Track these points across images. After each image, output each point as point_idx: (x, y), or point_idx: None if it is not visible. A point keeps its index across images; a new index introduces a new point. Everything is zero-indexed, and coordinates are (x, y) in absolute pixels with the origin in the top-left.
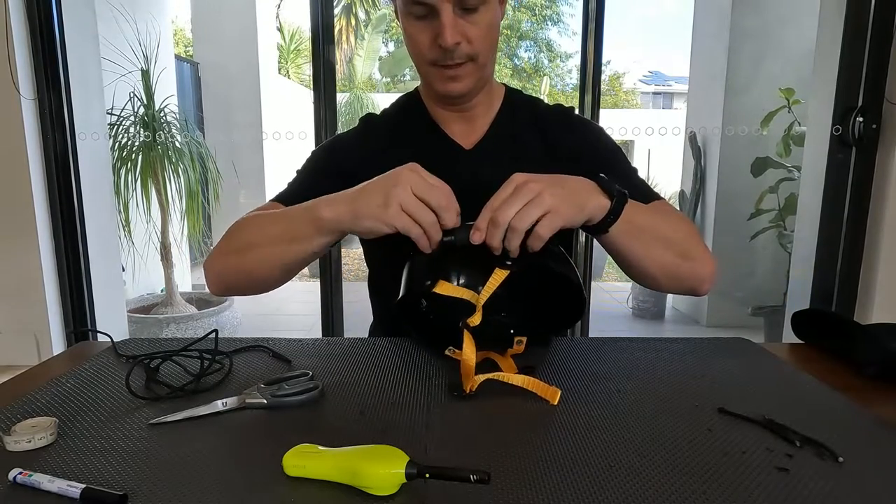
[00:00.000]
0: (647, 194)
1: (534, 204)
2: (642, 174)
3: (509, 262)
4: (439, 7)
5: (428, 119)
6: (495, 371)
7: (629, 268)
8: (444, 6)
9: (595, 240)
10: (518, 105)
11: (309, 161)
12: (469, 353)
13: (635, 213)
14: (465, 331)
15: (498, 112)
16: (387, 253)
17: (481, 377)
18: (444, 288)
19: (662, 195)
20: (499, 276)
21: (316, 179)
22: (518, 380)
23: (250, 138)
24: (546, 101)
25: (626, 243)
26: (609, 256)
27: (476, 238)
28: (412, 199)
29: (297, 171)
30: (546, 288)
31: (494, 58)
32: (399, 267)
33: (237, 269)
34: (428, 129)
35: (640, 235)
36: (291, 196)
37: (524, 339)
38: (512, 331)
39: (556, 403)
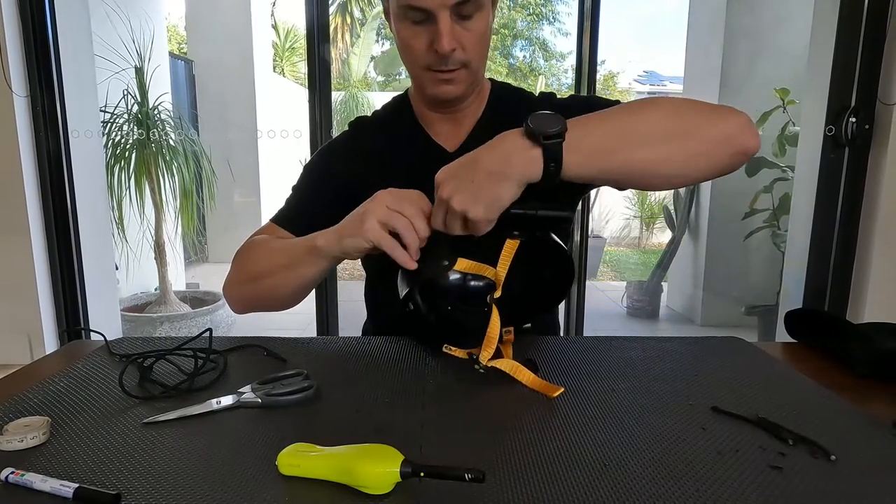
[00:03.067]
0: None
1: (451, 215)
2: None
3: (516, 232)
4: (437, 13)
5: (415, 123)
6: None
7: (636, 186)
8: (442, 13)
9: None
10: (503, 101)
11: (302, 177)
12: (495, 325)
13: (587, 136)
14: (493, 305)
15: (483, 113)
16: (383, 256)
17: (497, 362)
18: (464, 265)
19: (657, 195)
20: (511, 246)
21: (312, 196)
22: (525, 377)
23: (245, 136)
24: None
25: (598, 171)
26: (606, 253)
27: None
28: (385, 211)
29: (293, 188)
30: (533, 267)
31: (486, 62)
32: (395, 270)
33: (254, 297)
34: (414, 132)
35: (607, 153)
36: (289, 216)
37: (511, 329)
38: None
39: (553, 396)
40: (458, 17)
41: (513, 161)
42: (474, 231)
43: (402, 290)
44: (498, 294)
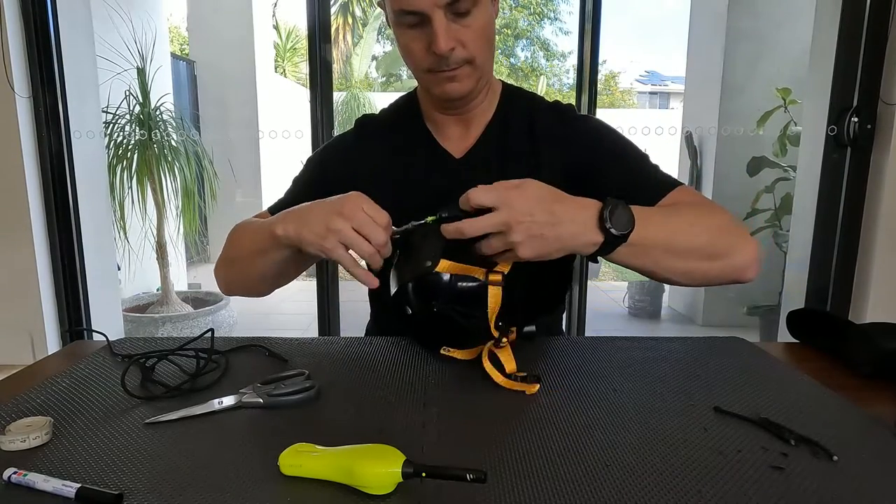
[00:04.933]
0: (661, 185)
1: (500, 239)
2: None
3: None
4: (431, 14)
5: (422, 125)
6: (496, 366)
7: (645, 275)
8: (436, 13)
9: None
10: (514, 106)
11: (303, 171)
12: (494, 305)
13: (643, 233)
14: (490, 285)
15: (493, 116)
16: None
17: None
18: (446, 266)
19: None
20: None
21: (308, 191)
22: (499, 380)
23: (247, 137)
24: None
25: (633, 263)
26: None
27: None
28: (351, 233)
29: (293, 181)
30: (529, 272)
31: (492, 57)
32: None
33: (231, 278)
34: (421, 136)
35: (649, 254)
36: (283, 208)
37: (514, 329)
38: (500, 323)
39: (533, 392)
40: (453, 16)
41: (579, 234)
42: (510, 259)
43: (392, 290)
44: (506, 270)
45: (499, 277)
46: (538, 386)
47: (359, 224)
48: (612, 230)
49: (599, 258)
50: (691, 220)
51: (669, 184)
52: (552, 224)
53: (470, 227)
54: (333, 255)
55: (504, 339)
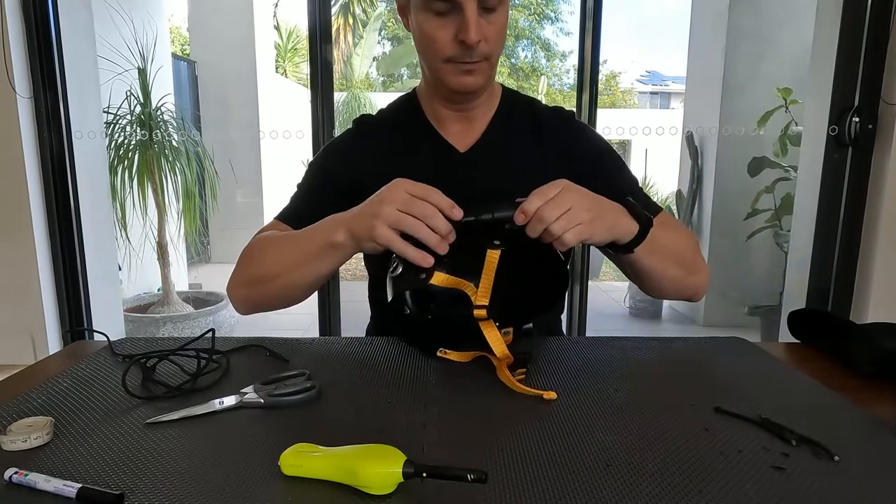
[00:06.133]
0: (651, 207)
1: (571, 216)
2: (640, 174)
3: (497, 242)
4: (464, 4)
5: (424, 122)
6: (493, 370)
7: (643, 281)
8: (469, 3)
9: (608, 257)
10: (515, 106)
11: (307, 175)
12: (494, 339)
13: (657, 233)
14: (480, 322)
15: (495, 114)
16: (383, 259)
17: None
18: (440, 279)
19: (659, 195)
20: (493, 258)
21: (317, 195)
22: (518, 388)
23: (247, 137)
24: (544, 101)
25: (646, 262)
26: (607, 259)
27: (520, 220)
28: (395, 215)
29: (298, 186)
30: (526, 271)
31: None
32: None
33: (263, 296)
34: (424, 132)
35: (658, 254)
36: (295, 214)
37: (511, 329)
38: (497, 323)
39: (551, 397)
40: (482, 10)
41: (620, 220)
42: (557, 247)
43: (388, 296)
44: (482, 302)
45: (483, 312)
46: (555, 394)
47: (402, 204)
48: (644, 215)
49: (625, 256)
50: (680, 233)
51: (658, 208)
52: (601, 209)
53: (557, 208)
54: (383, 241)
55: (520, 370)
